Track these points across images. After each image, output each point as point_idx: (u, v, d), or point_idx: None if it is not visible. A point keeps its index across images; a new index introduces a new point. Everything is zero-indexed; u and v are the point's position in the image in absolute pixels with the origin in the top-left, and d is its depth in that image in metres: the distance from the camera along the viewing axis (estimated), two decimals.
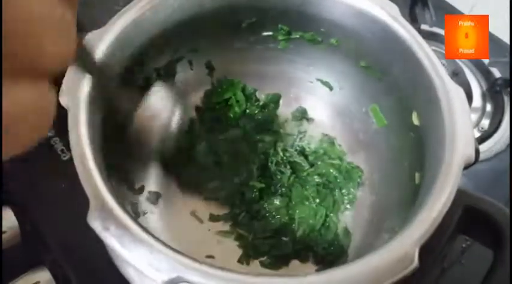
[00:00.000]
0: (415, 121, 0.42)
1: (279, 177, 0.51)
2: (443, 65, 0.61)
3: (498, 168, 0.58)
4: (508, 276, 0.33)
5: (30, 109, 0.17)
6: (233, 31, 0.50)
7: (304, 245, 0.48)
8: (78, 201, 0.31)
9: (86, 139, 0.33)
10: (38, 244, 0.45)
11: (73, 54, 0.18)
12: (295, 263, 0.47)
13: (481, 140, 0.60)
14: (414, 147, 0.43)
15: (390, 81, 0.46)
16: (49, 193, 0.47)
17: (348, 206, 0.50)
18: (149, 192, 0.48)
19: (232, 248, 0.47)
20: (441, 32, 0.68)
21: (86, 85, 0.35)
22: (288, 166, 0.52)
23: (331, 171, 0.51)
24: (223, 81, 0.54)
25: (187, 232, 0.48)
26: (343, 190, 0.51)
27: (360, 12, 0.43)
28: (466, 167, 0.35)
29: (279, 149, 0.52)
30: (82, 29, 0.46)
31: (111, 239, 0.29)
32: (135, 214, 0.45)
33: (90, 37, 0.38)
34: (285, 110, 0.56)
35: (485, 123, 0.63)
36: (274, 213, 0.49)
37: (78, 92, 0.35)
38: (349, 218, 0.50)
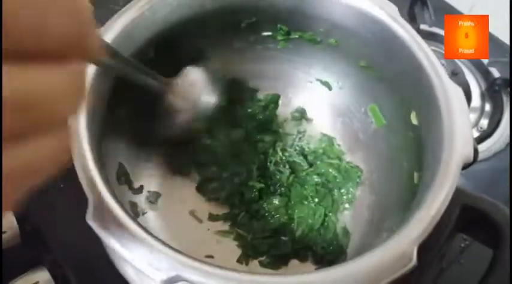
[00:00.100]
0: (414, 121, 0.42)
1: (278, 176, 0.51)
2: (443, 64, 0.61)
3: (497, 167, 0.58)
4: (507, 274, 0.33)
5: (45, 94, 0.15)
6: (233, 31, 0.50)
7: (303, 245, 0.48)
8: (78, 200, 0.31)
9: (86, 139, 0.33)
10: (38, 244, 0.45)
11: (84, 41, 0.16)
12: (294, 262, 0.47)
13: (480, 140, 0.60)
14: (413, 146, 0.43)
15: (389, 81, 0.46)
16: (48, 193, 0.47)
17: (347, 205, 0.51)
18: (149, 192, 0.48)
19: (231, 248, 0.47)
20: (440, 32, 0.68)
21: (85, 84, 0.35)
22: (287, 166, 0.52)
23: (330, 170, 0.51)
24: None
25: (187, 231, 0.48)
26: (342, 190, 0.51)
27: (359, 12, 0.43)
28: (465, 167, 0.35)
29: (278, 149, 0.53)
30: None
31: (110, 239, 0.29)
32: (135, 214, 0.46)
33: None
34: (284, 110, 0.56)
35: (484, 122, 0.63)
36: (273, 213, 0.49)
37: None
38: (348, 217, 0.50)
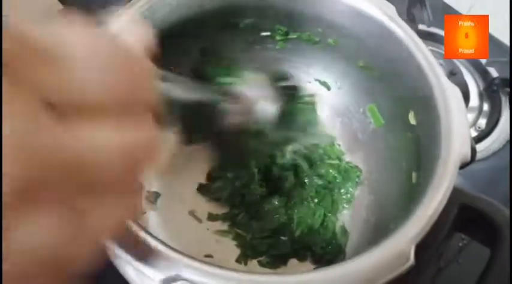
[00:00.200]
0: (412, 120, 0.42)
1: (282, 180, 0.51)
2: (441, 64, 0.61)
3: (495, 167, 0.58)
4: (505, 274, 0.33)
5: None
6: (232, 31, 0.50)
7: (303, 245, 0.48)
8: None
9: None
10: None
11: (144, 96, 0.15)
12: (293, 262, 0.47)
13: (478, 139, 0.60)
14: (411, 146, 0.43)
15: (388, 81, 0.46)
16: None
17: (346, 205, 0.51)
18: (148, 192, 0.49)
19: (230, 248, 0.48)
20: (439, 32, 0.68)
21: None
22: (292, 169, 0.52)
23: (331, 171, 0.52)
24: None
25: (186, 231, 0.48)
26: (342, 190, 0.51)
27: (357, 12, 0.43)
28: (463, 166, 0.35)
29: (288, 151, 0.52)
30: None
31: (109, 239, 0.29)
32: None
33: None
34: None
35: (482, 122, 0.63)
36: (273, 213, 0.49)
37: None
38: (347, 217, 0.50)
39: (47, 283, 0.13)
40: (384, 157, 0.50)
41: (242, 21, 0.49)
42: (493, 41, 0.67)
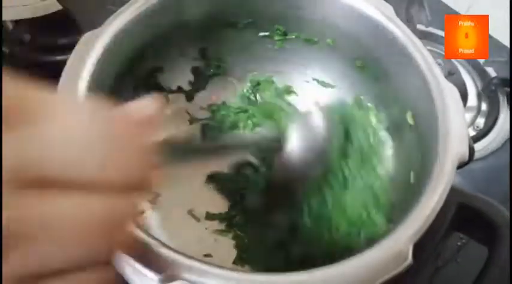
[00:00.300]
0: (410, 120, 0.43)
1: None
2: (439, 64, 0.61)
3: (493, 166, 0.58)
4: (504, 273, 0.34)
5: None
6: (230, 31, 0.50)
7: (299, 259, 0.47)
8: None
9: None
10: None
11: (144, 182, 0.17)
12: None
13: (477, 139, 0.60)
14: (409, 146, 0.43)
15: (386, 81, 0.46)
16: None
17: None
18: None
19: (229, 247, 0.48)
20: (437, 32, 0.68)
21: (82, 85, 0.35)
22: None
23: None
24: None
25: (185, 230, 0.48)
26: None
27: (355, 12, 0.44)
28: (461, 165, 0.35)
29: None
30: (79, 29, 0.47)
31: None
32: None
33: (86, 37, 0.38)
34: None
35: (481, 121, 0.63)
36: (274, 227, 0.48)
37: (74, 92, 0.35)
38: None
39: None
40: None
41: (241, 21, 0.49)
42: (491, 40, 0.67)
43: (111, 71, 0.40)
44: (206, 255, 0.46)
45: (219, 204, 0.50)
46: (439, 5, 0.73)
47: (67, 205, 0.14)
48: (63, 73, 0.36)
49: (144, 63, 0.46)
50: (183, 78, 0.53)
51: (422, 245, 0.31)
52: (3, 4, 0.54)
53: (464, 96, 0.63)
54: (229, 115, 0.55)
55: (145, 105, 0.17)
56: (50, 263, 0.14)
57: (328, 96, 0.55)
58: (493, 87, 0.65)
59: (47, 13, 0.57)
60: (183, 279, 0.28)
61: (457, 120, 0.36)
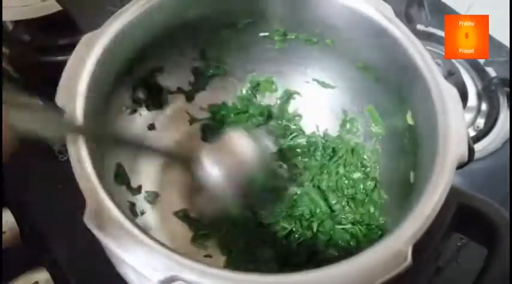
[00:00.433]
0: (410, 121, 0.42)
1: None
2: (439, 64, 0.61)
3: (493, 166, 0.58)
4: (505, 273, 0.34)
5: None
6: (230, 32, 0.50)
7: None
8: (77, 201, 0.31)
9: (83, 140, 0.33)
10: (37, 244, 0.46)
11: None
12: None
13: (477, 139, 0.60)
14: (409, 146, 0.43)
15: (385, 81, 0.46)
16: (47, 194, 0.47)
17: None
18: (147, 192, 0.49)
19: None
20: (437, 32, 0.69)
21: (82, 85, 0.36)
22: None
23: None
24: None
25: (185, 231, 0.48)
26: None
27: (354, 13, 0.43)
28: (461, 166, 0.35)
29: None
30: (79, 30, 0.47)
31: (108, 239, 0.29)
32: (133, 214, 0.46)
33: (86, 38, 0.38)
34: None
35: (481, 122, 0.63)
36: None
37: (75, 92, 0.35)
38: None
39: None
40: (382, 157, 0.50)
41: (241, 22, 0.49)
42: (491, 40, 0.67)
43: (111, 71, 0.40)
44: (206, 256, 0.46)
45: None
46: (439, 5, 0.73)
47: None
48: (63, 74, 0.36)
49: (144, 64, 0.46)
50: (183, 78, 0.53)
51: (422, 246, 0.31)
52: (3, 4, 0.54)
53: (464, 96, 0.63)
54: (229, 115, 0.55)
55: None
56: None
57: (328, 97, 0.55)
58: (493, 87, 0.65)
59: (47, 14, 0.57)
60: (183, 280, 0.28)
61: (456, 121, 0.36)
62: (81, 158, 0.32)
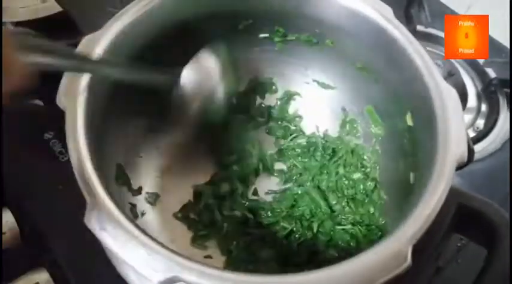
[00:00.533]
0: (409, 121, 0.43)
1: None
2: (439, 65, 0.61)
3: (493, 167, 0.58)
4: (506, 273, 0.34)
5: None
6: (230, 33, 0.50)
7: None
8: (77, 202, 0.31)
9: (84, 141, 0.33)
10: (37, 244, 0.45)
11: None
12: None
13: (476, 140, 0.60)
14: (409, 147, 0.43)
15: (385, 82, 0.46)
16: (47, 195, 0.47)
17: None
18: (147, 193, 0.49)
19: None
20: (436, 32, 0.69)
21: (83, 86, 0.36)
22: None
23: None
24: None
25: (185, 232, 0.48)
26: None
27: (353, 13, 0.44)
28: (461, 166, 0.35)
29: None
30: (79, 31, 0.47)
31: (108, 240, 0.29)
32: (134, 215, 0.46)
33: (87, 40, 0.38)
34: None
35: (480, 123, 0.63)
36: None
37: (75, 93, 0.35)
38: None
39: None
40: (382, 157, 0.50)
41: (241, 23, 0.49)
42: (490, 41, 0.67)
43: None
44: (206, 256, 0.46)
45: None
46: (439, 5, 0.73)
47: None
48: (64, 74, 0.36)
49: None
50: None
51: (422, 246, 0.31)
52: (4, 5, 0.55)
53: (464, 97, 0.63)
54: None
55: None
56: None
57: (328, 98, 0.55)
58: (493, 88, 0.65)
59: (47, 15, 0.57)
60: (183, 280, 0.28)
61: (456, 121, 0.36)
62: (81, 159, 0.32)
